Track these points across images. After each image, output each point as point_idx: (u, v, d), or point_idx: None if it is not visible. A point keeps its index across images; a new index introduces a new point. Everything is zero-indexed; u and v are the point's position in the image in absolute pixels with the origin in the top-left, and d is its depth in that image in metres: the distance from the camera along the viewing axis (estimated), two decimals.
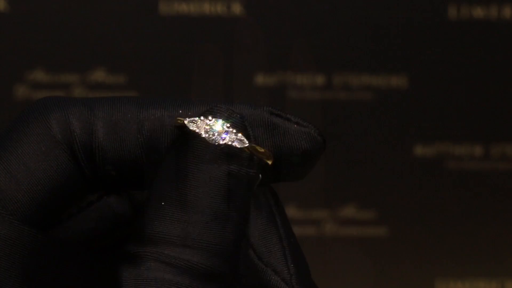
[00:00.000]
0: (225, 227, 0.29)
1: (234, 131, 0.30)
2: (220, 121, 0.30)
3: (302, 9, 0.80)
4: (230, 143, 0.30)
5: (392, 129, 0.82)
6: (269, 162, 0.31)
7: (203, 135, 0.30)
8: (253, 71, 0.81)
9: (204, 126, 0.30)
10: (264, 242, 0.31)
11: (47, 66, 0.80)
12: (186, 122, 0.30)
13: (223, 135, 0.30)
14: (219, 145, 0.30)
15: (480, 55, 0.81)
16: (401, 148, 0.82)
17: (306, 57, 0.81)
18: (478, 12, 0.80)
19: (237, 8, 0.80)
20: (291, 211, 0.83)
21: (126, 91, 0.81)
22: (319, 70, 0.81)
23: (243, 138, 0.30)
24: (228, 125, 0.30)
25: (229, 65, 0.81)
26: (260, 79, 0.81)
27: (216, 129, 0.30)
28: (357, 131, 0.82)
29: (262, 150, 0.30)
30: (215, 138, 0.30)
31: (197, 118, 0.30)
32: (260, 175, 0.31)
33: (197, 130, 0.30)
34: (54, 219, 0.31)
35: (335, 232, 0.84)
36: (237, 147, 0.30)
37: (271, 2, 0.80)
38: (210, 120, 0.30)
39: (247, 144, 0.30)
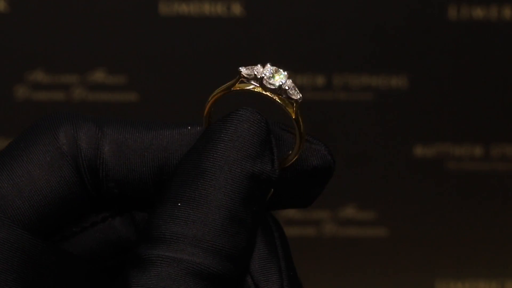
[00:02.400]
0: (239, 231, 0.29)
1: (291, 80, 0.30)
2: (280, 71, 0.30)
3: (302, 9, 0.80)
4: (287, 88, 0.30)
5: (392, 129, 0.82)
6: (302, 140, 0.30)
7: (259, 76, 0.30)
8: None
9: (260, 70, 0.30)
10: (263, 271, 0.30)
11: (47, 67, 0.80)
12: (242, 69, 0.30)
13: (282, 80, 0.30)
14: (245, 146, 0.29)
15: (480, 55, 0.81)
16: (401, 148, 0.82)
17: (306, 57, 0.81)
18: (478, 12, 0.80)
19: (237, 8, 0.80)
20: (291, 212, 0.83)
21: (126, 91, 0.81)
22: (319, 70, 0.81)
23: (297, 89, 0.30)
24: (286, 74, 0.30)
25: (229, 65, 0.81)
26: None
27: (273, 75, 0.30)
28: (357, 131, 0.82)
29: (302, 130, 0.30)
30: (274, 81, 0.30)
31: (252, 67, 0.30)
32: (272, 189, 0.30)
33: (251, 73, 0.30)
34: (57, 231, 0.31)
35: (335, 233, 0.84)
36: (263, 152, 0.30)
37: (271, 2, 0.80)
38: (265, 68, 0.30)
39: (300, 96, 0.30)
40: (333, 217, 0.84)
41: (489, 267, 0.84)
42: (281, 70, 0.30)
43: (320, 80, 0.82)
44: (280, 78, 0.30)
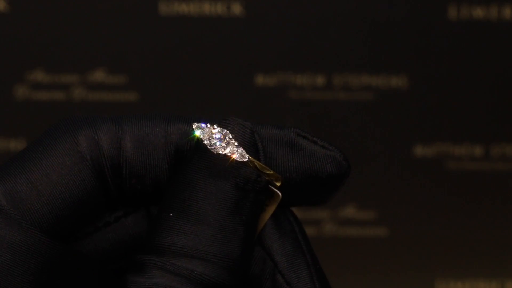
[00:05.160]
0: (231, 240, 0.29)
1: (236, 143, 0.30)
2: (225, 131, 0.30)
3: (302, 9, 0.80)
4: (229, 154, 0.30)
5: (392, 129, 0.82)
6: (278, 184, 0.31)
7: (205, 142, 0.30)
8: (253, 71, 0.81)
9: (208, 132, 0.30)
10: (292, 268, 0.31)
11: (47, 66, 0.80)
12: (194, 126, 0.30)
13: (224, 145, 0.30)
14: (227, 159, 0.30)
15: (480, 55, 0.81)
16: (401, 148, 0.82)
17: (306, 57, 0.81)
18: (478, 12, 0.80)
19: (237, 8, 0.80)
20: None
21: (126, 91, 0.81)
22: (319, 70, 0.81)
23: (243, 152, 0.30)
24: (231, 136, 0.30)
25: (229, 65, 0.81)
26: (260, 79, 0.81)
27: (218, 137, 0.30)
28: (357, 131, 0.82)
29: (270, 171, 0.30)
30: (216, 147, 0.30)
31: (204, 125, 0.30)
32: (280, 194, 0.31)
33: (201, 136, 0.30)
34: (71, 233, 0.31)
35: (335, 232, 0.84)
36: (243, 162, 0.30)
37: (271, 2, 0.80)
38: (215, 129, 0.30)
39: (247, 159, 0.30)
40: (333, 217, 0.84)
41: (489, 267, 0.84)
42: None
43: (320, 80, 0.82)
44: (227, 147, 0.30)
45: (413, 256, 0.84)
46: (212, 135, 0.30)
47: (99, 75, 0.81)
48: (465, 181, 0.83)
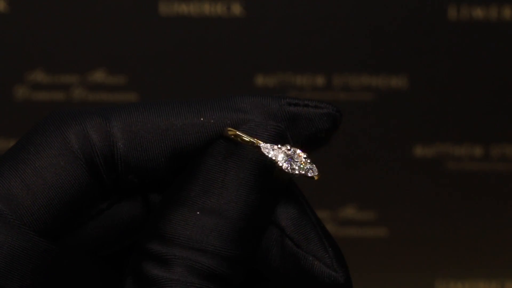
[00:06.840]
0: (254, 236, 0.30)
1: (309, 161, 0.31)
2: (298, 151, 0.30)
3: (302, 9, 0.80)
4: (303, 172, 0.30)
5: (392, 129, 0.82)
6: (316, 178, 0.31)
7: (281, 164, 0.30)
8: (253, 71, 0.81)
9: (281, 154, 0.30)
10: (299, 231, 0.31)
11: (47, 67, 0.80)
12: (261, 146, 0.30)
13: (302, 165, 0.30)
14: (263, 162, 0.30)
15: (480, 55, 0.81)
16: (401, 148, 0.82)
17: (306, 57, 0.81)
18: (478, 12, 0.80)
19: (237, 9, 0.80)
20: None
21: (126, 91, 0.81)
22: (319, 70, 0.81)
23: (315, 168, 0.31)
24: (305, 156, 0.30)
25: (229, 65, 0.81)
26: (260, 79, 0.81)
27: (295, 159, 0.30)
28: (357, 131, 0.82)
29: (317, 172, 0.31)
30: (295, 168, 0.30)
31: (275, 146, 0.30)
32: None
33: (274, 158, 0.30)
34: (67, 229, 0.31)
35: (335, 233, 0.84)
36: (283, 170, 0.30)
37: (271, 2, 0.80)
38: (289, 150, 0.30)
39: (317, 173, 0.30)
40: (333, 217, 0.84)
41: (489, 267, 0.84)
42: (299, 154, 0.31)
43: (320, 80, 0.82)
44: (299, 167, 0.31)
45: (413, 256, 0.84)
46: (286, 157, 0.30)
47: (99, 75, 0.81)
48: (465, 181, 0.83)
